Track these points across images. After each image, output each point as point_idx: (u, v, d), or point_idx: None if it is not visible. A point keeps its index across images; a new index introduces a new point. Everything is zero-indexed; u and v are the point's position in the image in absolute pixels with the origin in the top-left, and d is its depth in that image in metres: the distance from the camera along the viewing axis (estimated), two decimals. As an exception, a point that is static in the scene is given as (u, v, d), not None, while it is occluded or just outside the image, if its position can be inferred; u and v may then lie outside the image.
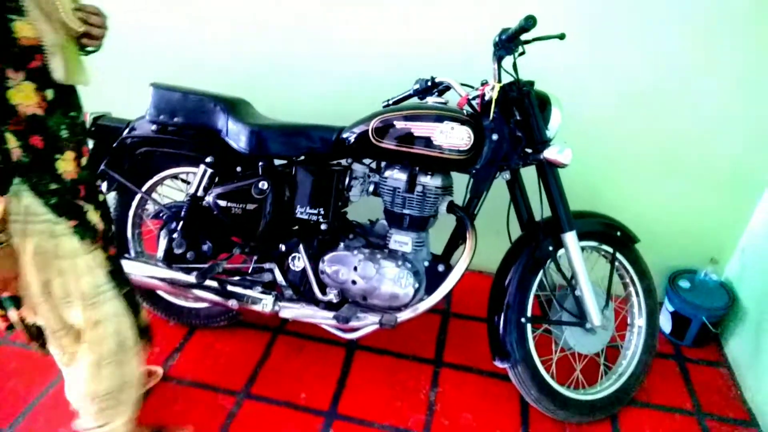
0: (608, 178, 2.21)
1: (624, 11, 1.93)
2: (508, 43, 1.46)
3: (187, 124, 1.78)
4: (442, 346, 2.06)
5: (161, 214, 1.87)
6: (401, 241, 1.72)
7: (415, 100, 1.85)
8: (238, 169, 1.78)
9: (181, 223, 1.80)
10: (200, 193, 1.78)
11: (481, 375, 1.93)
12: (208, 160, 1.76)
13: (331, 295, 1.73)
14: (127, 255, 1.98)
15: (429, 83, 1.79)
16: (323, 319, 1.71)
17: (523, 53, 1.53)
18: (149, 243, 2.06)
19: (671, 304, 2.14)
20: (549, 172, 1.62)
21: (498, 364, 1.70)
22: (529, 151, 1.63)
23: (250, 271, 1.87)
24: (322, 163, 1.77)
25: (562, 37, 1.39)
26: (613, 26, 1.96)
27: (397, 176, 1.68)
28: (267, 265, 1.81)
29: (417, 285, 1.68)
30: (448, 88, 1.80)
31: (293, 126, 1.75)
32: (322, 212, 1.73)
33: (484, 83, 1.72)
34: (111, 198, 1.98)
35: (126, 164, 1.88)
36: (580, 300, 1.69)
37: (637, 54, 1.98)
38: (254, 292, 1.75)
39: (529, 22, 1.34)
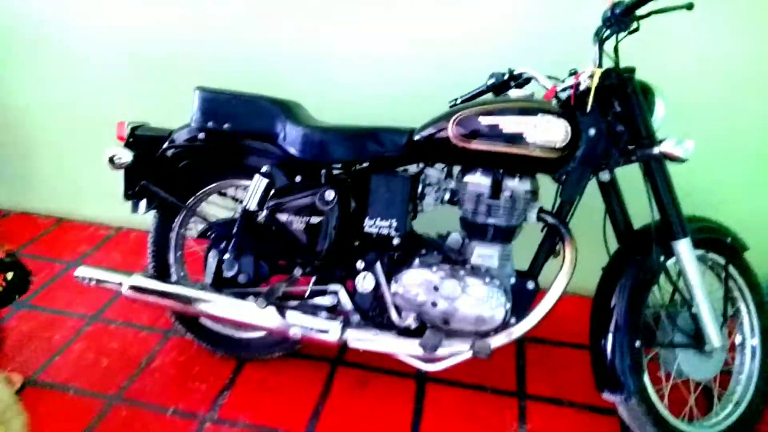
0: (702, 176, 1.99)
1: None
2: (624, 17, 1.27)
3: (240, 130, 1.59)
4: (523, 375, 1.82)
5: (209, 233, 1.67)
6: (486, 254, 1.51)
7: (489, 96, 1.66)
8: (298, 178, 1.58)
9: (233, 241, 1.60)
10: (254, 207, 1.58)
11: (573, 408, 1.69)
12: (264, 169, 1.57)
13: (410, 320, 1.51)
14: (168, 280, 1.76)
15: (506, 76, 1.60)
16: (404, 348, 1.48)
17: (636, 30, 1.33)
18: (193, 266, 1.85)
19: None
20: (659, 171, 1.41)
21: (608, 397, 1.45)
22: (632, 147, 1.43)
23: (308, 294, 1.65)
24: (392, 168, 1.57)
25: (690, 6, 1.20)
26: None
27: (479, 181, 1.48)
28: (330, 287, 1.59)
29: (508, 305, 1.46)
30: (527, 81, 1.61)
31: (359, 128, 1.56)
32: (395, 224, 1.52)
33: (573, 72, 1.53)
34: (150, 217, 1.78)
35: (168, 178, 1.69)
36: (697, 318, 1.46)
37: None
38: (319, 319, 1.53)
39: None
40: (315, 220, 1.51)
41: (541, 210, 1.50)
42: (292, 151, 1.56)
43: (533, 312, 1.45)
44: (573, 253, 1.44)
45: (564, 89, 1.47)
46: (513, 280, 1.52)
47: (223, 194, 1.81)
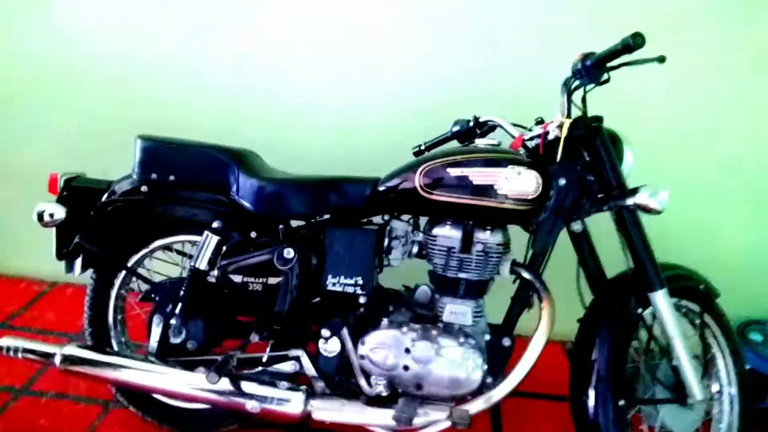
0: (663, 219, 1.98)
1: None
2: (594, 69, 1.23)
3: (187, 182, 1.46)
4: (499, 430, 1.71)
5: (153, 295, 1.51)
6: (459, 311, 1.41)
7: (455, 144, 1.60)
8: (253, 234, 1.45)
9: (180, 304, 1.45)
10: (203, 266, 1.43)
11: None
12: (215, 225, 1.43)
13: (380, 387, 1.39)
14: (109, 349, 1.58)
15: (471, 123, 1.55)
16: (375, 419, 1.35)
17: (607, 81, 1.29)
18: (135, 330, 1.68)
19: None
20: (632, 221, 1.36)
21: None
22: (602, 196, 1.38)
23: (265, 360, 1.50)
24: (354, 221, 1.47)
25: (662, 60, 1.17)
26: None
27: (449, 234, 1.39)
28: (291, 352, 1.45)
29: (485, 366, 1.37)
30: (492, 128, 1.56)
31: (318, 179, 1.45)
32: (360, 282, 1.41)
33: (539, 121, 1.49)
34: (86, 278, 1.60)
35: (107, 235, 1.52)
36: (678, 370, 1.40)
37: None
38: (280, 390, 1.38)
39: (638, 41, 1.11)
40: (273, 280, 1.39)
41: (514, 263, 1.43)
42: (246, 205, 1.43)
43: (512, 374, 1.35)
44: (550, 309, 1.36)
45: (531, 138, 1.42)
46: (488, 337, 1.43)
47: (169, 249, 1.66)
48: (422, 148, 1.66)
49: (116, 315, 1.62)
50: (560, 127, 1.33)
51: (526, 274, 1.40)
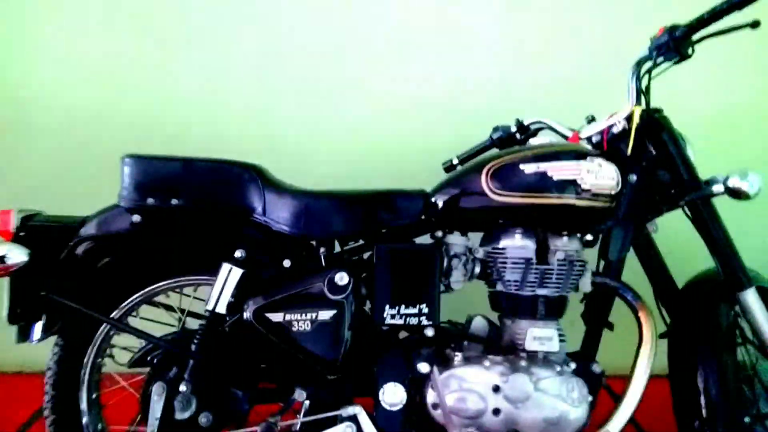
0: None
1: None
2: (682, 41, 1.14)
3: (198, 205, 1.16)
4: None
5: (149, 357, 1.15)
6: (543, 336, 1.19)
7: (494, 151, 1.44)
8: (287, 263, 1.17)
9: (190, 365, 1.10)
10: (223, 309, 1.12)
11: None
12: (238, 255, 1.14)
13: None
14: (79, 440, 1.17)
15: (514, 128, 1.41)
16: None
17: (687, 58, 1.20)
18: (116, 414, 1.27)
19: None
20: (711, 214, 1.24)
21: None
22: (674, 192, 1.26)
23: (299, 424, 1.16)
24: (402, 241, 1.24)
25: (756, 24, 1.10)
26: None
27: (521, 243, 1.20)
28: (345, 411, 1.13)
29: (590, 398, 1.14)
30: (535, 133, 1.43)
31: (363, 193, 1.22)
32: (426, 310, 1.16)
33: (590, 120, 1.38)
34: (47, 346, 1.21)
35: (78, 286, 1.17)
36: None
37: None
38: None
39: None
40: (325, 315, 1.09)
41: (595, 274, 1.24)
42: (279, 226, 1.16)
43: (625, 401, 1.13)
44: (650, 320, 1.18)
45: (589, 137, 1.30)
46: (573, 365, 1.21)
47: (154, 304, 1.30)
48: (455, 162, 1.48)
49: (91, 393, 1.22)
50: (629, 117, 1.21)
51: (614, 284, 1.22)
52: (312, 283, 1.10)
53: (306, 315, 1.08)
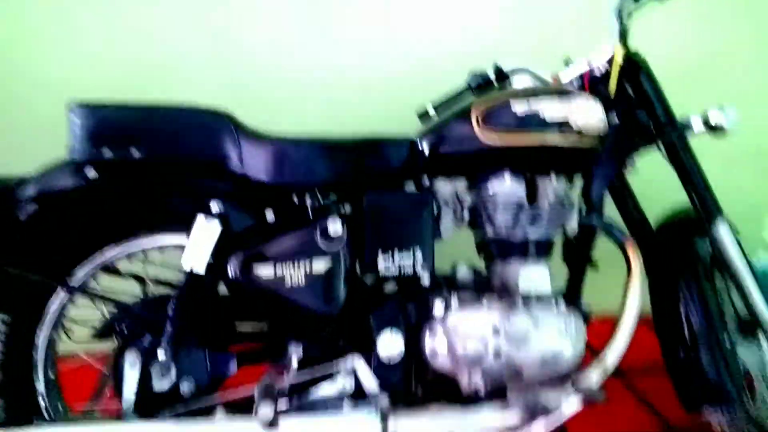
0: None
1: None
2: None
3: (163, 155, 1.03)
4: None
5: (118, 325, 1.03)
6: (536, 277, 1.17)
7: (472, 98, 1.40)
8: (270, 215, 1.07)
9: (167, 329, 1.00)
10: (201, 268, 1.01)
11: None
12: (215, 208, 1.03)
13: (477, 380, 1.07)
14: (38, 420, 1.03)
15: (492, 74, 1.36)
16: (490, 421, 1.03)
17: None
18: (74, 393, 1.13)
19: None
20: (687, 151, 1.27)
21: (709, 414, 1.20)
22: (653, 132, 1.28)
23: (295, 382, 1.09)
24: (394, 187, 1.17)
25: None
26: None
27: (512, 187, 1.17)
28: (343, 365, 1.07)
29: (585, 333, 1.15)
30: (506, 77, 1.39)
31: (348, 140, 1.14)
32: (421, 258, 1.11)
33: (567, 61, 1.37)
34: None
35: (30, 251, 1.02)
36: (751, 301, 1.31)
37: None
38: (356, 415, 0.99)
39: None
40: (320, 267, 1.01)
41: (581, 213, 1.24)
42: (259, 177, 1.05)
43: (618, 333, 1.15)
44: (638, 256, 1.20)
45: (572, 78, 1.29)
46: (564, 304, 1.21)
47: (113, 270, 1.16)
48: (430, 110, 1.43)
49: (48, 371, 1.08)
50: (610, 59, 1.21)
51: (601, 223, 1.22)
52: (303, 234, 1.01)
53: (299, 268, 1.00)
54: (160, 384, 1.00)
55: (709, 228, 1.26)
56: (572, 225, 1.23)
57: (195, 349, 1.03)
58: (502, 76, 1.37)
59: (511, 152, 1.13)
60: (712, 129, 1.20)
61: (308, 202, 1.08)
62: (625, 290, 1.18)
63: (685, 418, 1.24)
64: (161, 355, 0.99)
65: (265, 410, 0.88)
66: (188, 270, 1.01)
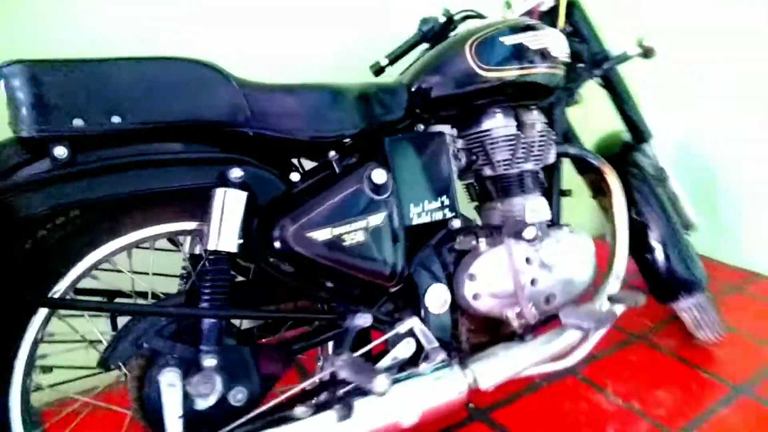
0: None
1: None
2: None
3: (154, 120, 0.83)
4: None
5: (142, 343, 0.81)
6: (538, 207, 1.20)
7: (424, 46, 1.39)
8: (295, 176, 0.93)
9: (207, 328, 0.82)
10: (234, 244, 0.84)
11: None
12: (235, 175, 0.86)
13: (531, 312, 1.07)
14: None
15: (444, 19, 1.37)
16: (559, 346, 1.03)
17: None
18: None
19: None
20: (620, 80, 1.44)
21: (683, 303, 1.38)
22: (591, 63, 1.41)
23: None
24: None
25: None
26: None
27: (504, 122, 1.19)
28: (401, 327, 0.98)
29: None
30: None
31: (354, 87, 1.03)
32: (447, 201, 1.07)
33: (507, 3, 1.43)
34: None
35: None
36: (677, 202, 1.53)
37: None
38: (432, 375, 0.91)
39: None
40: (376, 220, 0.91)
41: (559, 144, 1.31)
42: (276, 134, 0.91)
43: (618, 248, 1.25)
44: (615, 175, 1.31)
45: (522, 12, 1.35)
46: (563, 227, 1.28)
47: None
48: (383, 63, 1.38)
49: (25, 403, 0.80)
50: (559, -3, 1.30)
51: (576, 151, 1.31)
52: (349, 188, 0.90)
53: (355, 224, 0.89)
54: (206, 400, 0.82)
55: (646, 144, 1.44)
56: (552, 155, 1.29)
57: (234, 348, 0.86)
58: (451, 20, 1.38)
59: (504, 87, 1.14)
60: (645, 53, 1.36)
61: (331, 155, 0.96)
62: (611, 207, 1.29)
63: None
64: (206, 361, 0.80)
65: (381, 380, 0.77)
66: (212, 249, 0.83)
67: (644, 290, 1.29)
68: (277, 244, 0.84)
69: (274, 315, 0.91)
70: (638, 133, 1.47)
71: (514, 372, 1.00)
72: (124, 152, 0.83)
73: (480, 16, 1.38)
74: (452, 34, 1.37)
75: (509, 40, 1.13)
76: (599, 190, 1.42)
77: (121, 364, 0.82)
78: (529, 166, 1.21)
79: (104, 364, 0.81)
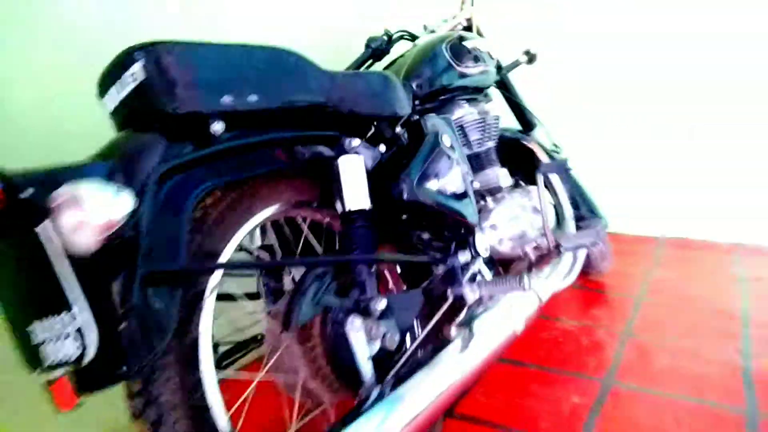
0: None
1: None
2: None
3: (279, 101, 0.89)
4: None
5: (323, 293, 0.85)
6: (504, 175, 1.50)
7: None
8: (382, 147, 1.06)
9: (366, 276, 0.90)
10: (365, 203, 0.94)
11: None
12: (354, 144, 0.96)
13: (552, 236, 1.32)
14: None
15: (386, 38, 1.62)
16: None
17: None
18: None
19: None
20: (510, 82, 1.86)
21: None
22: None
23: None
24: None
25: None
26: None
27: (471, 109, 1.48)
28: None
29: (548, 199, 1.57)
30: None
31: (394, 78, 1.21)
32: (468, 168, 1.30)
33: (428, 29, 1.75)
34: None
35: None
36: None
37: None
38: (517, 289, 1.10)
39: None
40: (456, 174, 1.09)
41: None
42: (360, 110, 1.03)
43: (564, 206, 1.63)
44: (542, 150, 1.69)
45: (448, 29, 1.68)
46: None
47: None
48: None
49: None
50: (468, 18, 1.67)
51: (512, 134, 1.67)
52: (434, 149, 1.07)
53: (450, 176, 1.06)
54: (376, 344, 0.88)
55: (534, 131, 1.89)
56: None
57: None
58: (390, 39, 1.63)
59: (471, 81, 1.44)
60: (530, 59, 1.81)
61: (398, 130, 1.12)
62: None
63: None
64: (380, 305, 0.87)
65: (525, 280, 0.94)
66: (352, 209, 0.92)
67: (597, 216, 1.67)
68: (405, 196, 0.97)
69: (414, 259, 1.02)
70: (528, 123, 1.91)
71: (557, 288, 1.27)
72: (257, 132, 0.87)
73: (413, 37, 1.66)
74: (392, 50, 1.62)
75: (469, 44, 1.44)
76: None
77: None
78: (491, 144, 1.52)
79: (288, 325, 0.82)
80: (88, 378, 0.63)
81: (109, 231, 0.57)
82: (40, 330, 0.64)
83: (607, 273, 1.95)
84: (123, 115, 0.80)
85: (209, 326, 0.76)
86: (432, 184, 1.03)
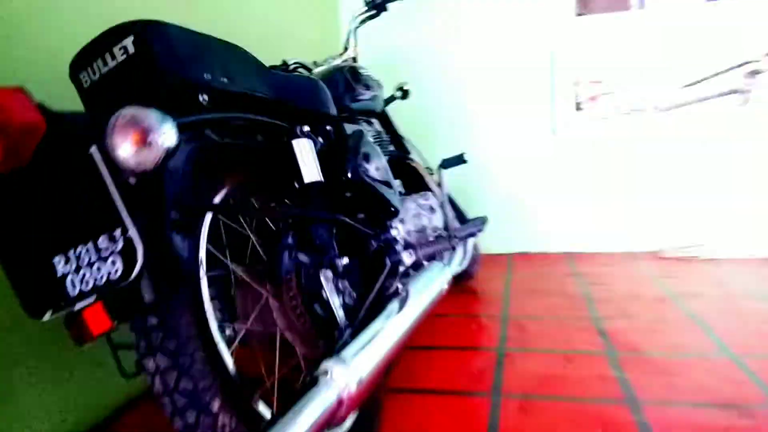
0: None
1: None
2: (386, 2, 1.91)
3: (248, 90, 1.02)
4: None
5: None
6: (399, 185, 1.73)
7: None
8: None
9: (328, 238, 1.04)
10: (318, 175, 1.07)
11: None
12: (305, 129, 1.10)
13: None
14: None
15: (286, 67, 1.80)
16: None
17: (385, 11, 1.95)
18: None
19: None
20: (388, 114, 2.14)
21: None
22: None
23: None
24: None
25: None
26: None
27: (368, 128, 1.71)
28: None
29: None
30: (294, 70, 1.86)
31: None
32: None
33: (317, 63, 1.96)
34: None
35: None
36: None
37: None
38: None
39: None
40: (383, 161, 1.27)
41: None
42: (310, 107, 1.18)
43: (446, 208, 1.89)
44: (422, 166, 1.96)
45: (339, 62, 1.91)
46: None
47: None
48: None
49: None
50: (353, 57, 1.93)
51: (395, 152, 1.91)
52: (368, 140, 1.24)
53: (380, 162, 1.24)
54: (347, 296, 1.00)
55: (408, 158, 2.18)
56: (384, 154, 1.86)
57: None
58: (287, 68, 1.80)
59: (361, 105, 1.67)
60: (404, 94, 2.12)
61: (322, 128, 1.28)
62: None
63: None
64: (343, 262, 1.00)
65: (454, 240, 1.14)
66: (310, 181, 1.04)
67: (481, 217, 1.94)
68: (352, 175, 1.11)
69: (364, 230, 1.14)
70: (404, 149, 2.19)
71: (456, 271, 1.50)
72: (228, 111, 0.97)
73: (307, 68, 1.85)
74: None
75: (363, 73, 1.68)
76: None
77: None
78: (386, 158, 1.74)
79: (273, 278, 0.90)
80: (117, 306, 0.65)
81: (163, 156, 0.63)
82: (63, 262, 0.65)
83: (476, 279, 2.27)
84: (101, 89, 0.84)
85: (204, 273, 0.81)
86: (369, 168, 1.20)
